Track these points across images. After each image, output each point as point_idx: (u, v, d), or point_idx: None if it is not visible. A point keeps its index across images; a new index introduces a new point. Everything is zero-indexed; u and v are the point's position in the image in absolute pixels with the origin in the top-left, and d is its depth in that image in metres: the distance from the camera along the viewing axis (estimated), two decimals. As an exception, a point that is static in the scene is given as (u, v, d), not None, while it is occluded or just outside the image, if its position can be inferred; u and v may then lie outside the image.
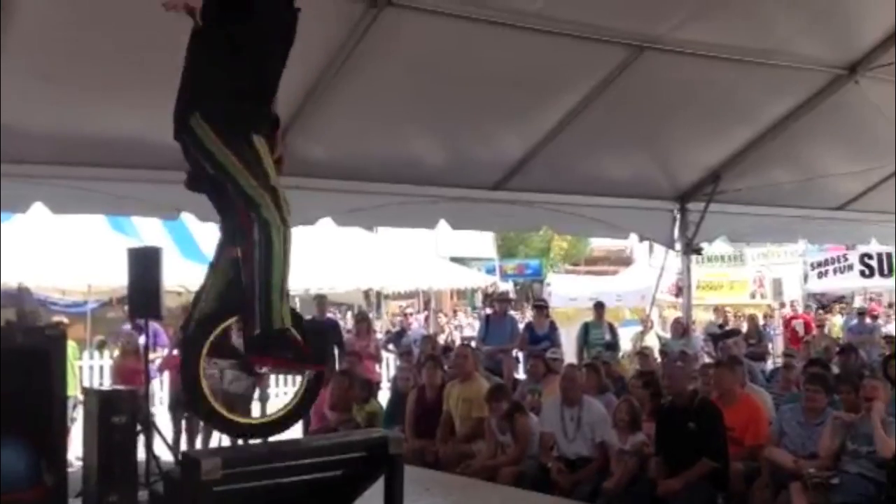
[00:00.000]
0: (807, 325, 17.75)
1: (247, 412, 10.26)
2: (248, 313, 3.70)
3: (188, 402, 3.98)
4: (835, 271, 22.02)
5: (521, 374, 12.01)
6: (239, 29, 3.64)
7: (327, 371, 4.25)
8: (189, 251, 16.67)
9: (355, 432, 7.16)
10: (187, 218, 9.81)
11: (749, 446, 7.73)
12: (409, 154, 9.45)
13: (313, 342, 3.97)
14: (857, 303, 22.94)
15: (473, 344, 12.78)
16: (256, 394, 10.80)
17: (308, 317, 15.64)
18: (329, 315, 14.52)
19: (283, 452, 3.96)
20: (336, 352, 12.10)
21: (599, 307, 14.45)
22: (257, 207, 3.66)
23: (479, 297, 30.78)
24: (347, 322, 20.13)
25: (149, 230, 15.74)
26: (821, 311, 21.81)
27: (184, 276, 15.89)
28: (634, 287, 20.77)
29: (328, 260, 16.61)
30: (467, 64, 7.91)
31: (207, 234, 16.39)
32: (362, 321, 14.07)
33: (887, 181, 11.46)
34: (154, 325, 12.59)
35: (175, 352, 12.55)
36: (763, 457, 7.50)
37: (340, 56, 7.25)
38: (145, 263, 9.22)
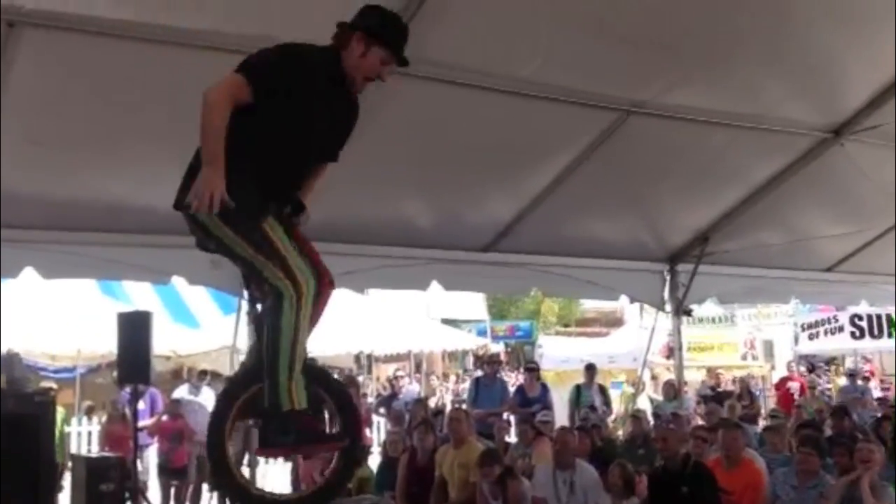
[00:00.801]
0: (802, 388, 17.74)
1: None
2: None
3: (210, 471, 3.79)
4: (825, 332, 22.09)
5: (512, 438, 11.94)
6: (272, 105, 3.49)
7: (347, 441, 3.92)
8: (180, 315, 16.66)
9: (346, 500, 7.09)
10: (178, 282, 9.80)
11: (745, 511, 7.68)
12: (401, 216, 9.49)
13: (343, 411, 3.76)
14: (849, 364, 22.95)
15: (464, 406, 12.72)
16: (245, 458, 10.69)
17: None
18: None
19: (273, 521, 3.90)
20: (325, 412, 12.00)
21: (590, 369, 14.41)
22: (266, 278, 3.55)
23: (470, 359, 30.68)
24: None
25: (140, 294, 15.73)
26: (813, 374, 21.79)
27: (174, 340, 15.87)
28: (626, 348, 20.74)
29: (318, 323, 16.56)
30: (457, 127, 7.98)
31: (198, 299, 16.43)
32: (351, 385, 13.99)
33: (874, 242, 11.53)
34: (151, 391, 12.54)
35: (165, 417, 12.47)
36: (758, 522, 7.46)
37: (331, 121, 7.30)
38: (135, 328, 9.21)
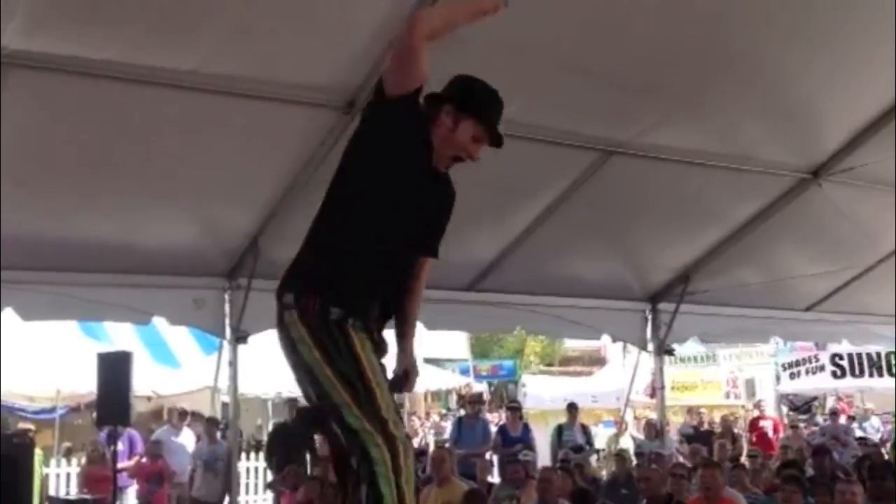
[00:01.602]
0: (775, 427, 17.75)
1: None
2: None
3: None
4: (807, 372, 22.12)
5: (495, 478, 11.86)
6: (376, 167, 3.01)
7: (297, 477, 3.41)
8: (161, 355, 16.55)
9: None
10: (159, 322, 9.76)
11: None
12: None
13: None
14: (830, 404, 22.97)
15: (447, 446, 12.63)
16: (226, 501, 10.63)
17: (280, 420, 15.51)
18: (301, 419, 14.32)
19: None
20: (308, 457, 11.93)
21: (572, 408, 14.37)
22: (350, 429, 2.69)
23: (453, 399, 30.52)
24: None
25: (121, 335, 15.61)
26: (806, 414, 21.85)
27: (155, 380, 15.75)
28: (610, 387, 20.69)
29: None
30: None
31: (179, 339, 16.33)
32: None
33: (854, 282, 11.60)
34: (130, 432, 12.42)
35: (144, 459, 12.34)
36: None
37: (314, 162, 7.30)
38: (115, 368, 9.14)
